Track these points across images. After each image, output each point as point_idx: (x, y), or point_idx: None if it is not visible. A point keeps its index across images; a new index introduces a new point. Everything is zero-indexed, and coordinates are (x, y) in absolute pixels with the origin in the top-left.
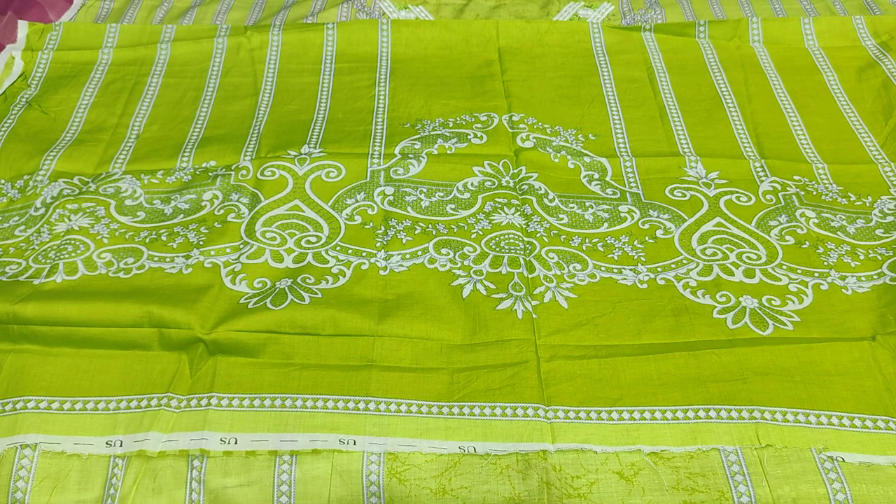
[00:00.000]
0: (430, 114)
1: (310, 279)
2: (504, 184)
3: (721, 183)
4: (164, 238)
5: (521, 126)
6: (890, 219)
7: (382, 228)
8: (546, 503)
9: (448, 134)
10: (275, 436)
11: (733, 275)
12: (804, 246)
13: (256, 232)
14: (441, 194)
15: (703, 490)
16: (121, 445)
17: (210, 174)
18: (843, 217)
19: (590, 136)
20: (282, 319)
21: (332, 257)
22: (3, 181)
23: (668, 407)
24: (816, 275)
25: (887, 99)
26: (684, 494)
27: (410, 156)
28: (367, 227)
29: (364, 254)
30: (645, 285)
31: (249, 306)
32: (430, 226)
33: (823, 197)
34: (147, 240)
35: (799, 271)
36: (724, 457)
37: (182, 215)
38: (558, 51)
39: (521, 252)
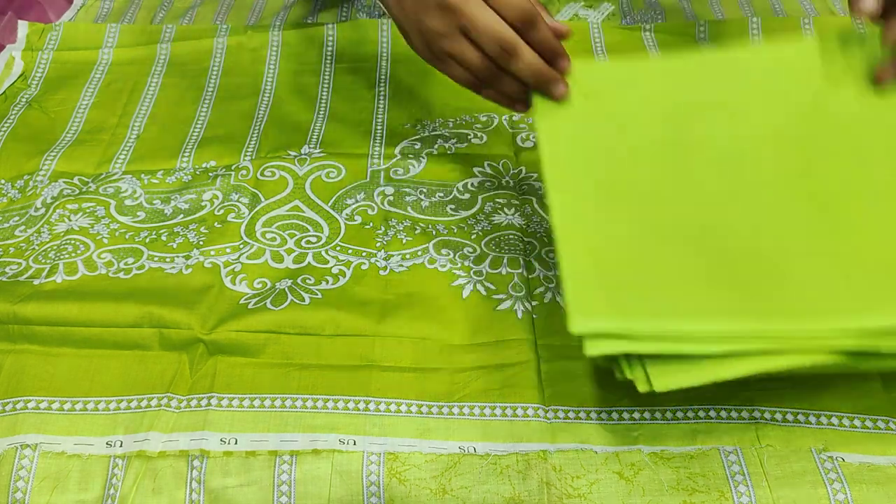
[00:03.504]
0: (430, 114)
1: (310, 280)
2: (504, 184)
3: None
4: (164, 238)
5: (522, 126)
6: None
7: (382, 228)
8: (546, 503)
9: (448, 134)
10: (275, 436)
11: None
12: None
13: (256, 232)
14: (441, 194)
15: (703, 490)
16: (121, 445)
17: (210, 174)
18: None
19: None
20: (282, 320)
21: (332, 257)
22: (3, 181)
23: (668, 407)
24: None
25: None
26: (684, 494)
27: (410, 156)
28: (367, 226)
29: (364, 254)
30: None
31: (249, 306)
32: (429, 226)
33: None
34: (147, 240)
35: None
36: (723, 457)
37: (182, 215)
38: None
39: (521, 252)
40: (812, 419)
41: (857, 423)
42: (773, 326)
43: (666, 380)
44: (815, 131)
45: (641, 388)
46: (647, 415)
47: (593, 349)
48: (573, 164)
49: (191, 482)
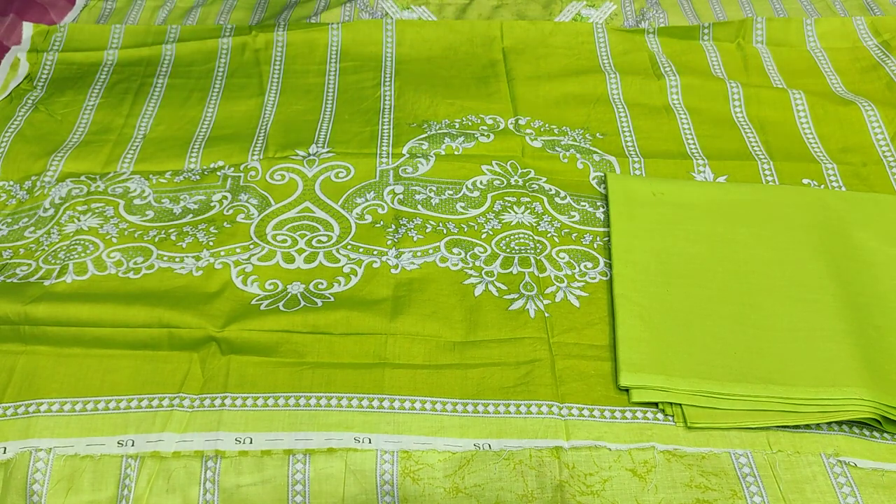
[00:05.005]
0: (437, 115)
1: (322, 284)
2: (513, 182)
3: None
4: (173, 238)
5: (528, 130)
6: None
7: (393, 227)
8: (560, 501)
9: (455, 133)
10: (290, 434)
11: None
12: None
13: (267, 235)
14: (451, 192)
15: (716, 488)
16: (133, 445)
17: (219, 174)
18: None
19: (597, 134)
20: (294, 320)
21: (344, 256)
22: (11, 183)
23: None
24: None
25: (893, 99)
26: (697, 492)
27: (419, 155)
28: (378, 225)
29: (375, 252)
30: None
31: (261, 308)
32: (440, 224)
33: None
34: (156, 239)
35: None
36: (734, 459)
37: (191, 215)
38: (563, 52)
39: (532, 252)
40: (823, 425)
41: (866, 431)
42: (794, 395)
43: (699, 421)
44: (843, 251)
45: (678, 423)
46: (660, 415)
47: (638, 397)
48: (637, 241)
49: (204, 482)
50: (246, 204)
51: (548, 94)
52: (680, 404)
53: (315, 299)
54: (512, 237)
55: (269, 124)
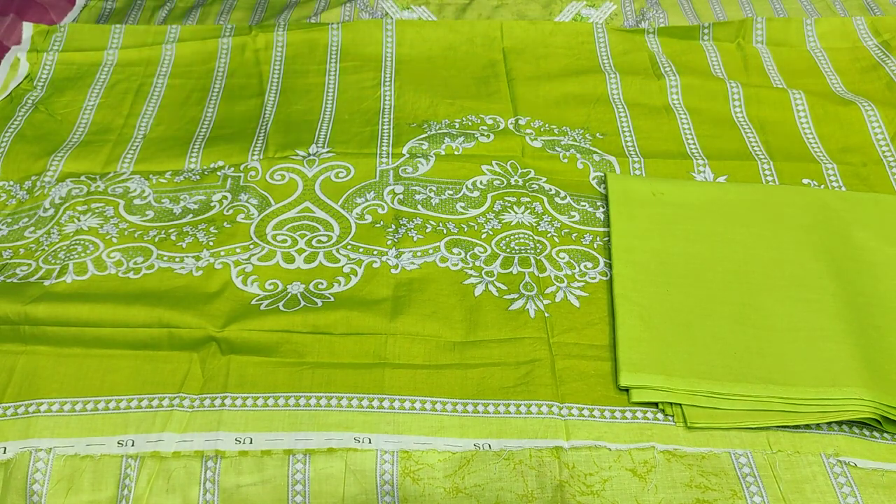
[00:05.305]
0: (437, 115)
1: (322, 284)
2: (513, 182)
3: None
4: (173, 238)
5: (528, 130)
6: None
7: (393, 227)
8: (560, 501)
9: (455, 133)
10: (290, 434)
11: None
12: None
13: (267, 235)
14: (451, 192)
15: (716, 488)
16: (132, 445)
17: (219, 174)
18: None
19: (597, 134)
20: (294, 320)
21: (344, 256)
22: (11, 183)
23: None
24: None
25: (893, 99)
26: (697, 492)
27: (419, 155)
28: (378, 225)
29: (375, 252)
30: None
31: (261, 308)
32: (440, 224)
33: None
34: (156, 239)
35: None
36: (734, 459)
37: (191, 215)
38: (563, 52)
39: (532, 251)
40: (823, 425)
41: (866, 431)
42: (794, 395)
43: (699, 421)
44: (843, 251)
45: (678, 423)
46: (660, 415)
47: (638, 397)
48: (637, 241)
49: (204, 482)
50: (246, 204)
51: (548, 94)
52: (680, 404)
53: (315, 299)
54: (512, 237)
55: (269, 124)
